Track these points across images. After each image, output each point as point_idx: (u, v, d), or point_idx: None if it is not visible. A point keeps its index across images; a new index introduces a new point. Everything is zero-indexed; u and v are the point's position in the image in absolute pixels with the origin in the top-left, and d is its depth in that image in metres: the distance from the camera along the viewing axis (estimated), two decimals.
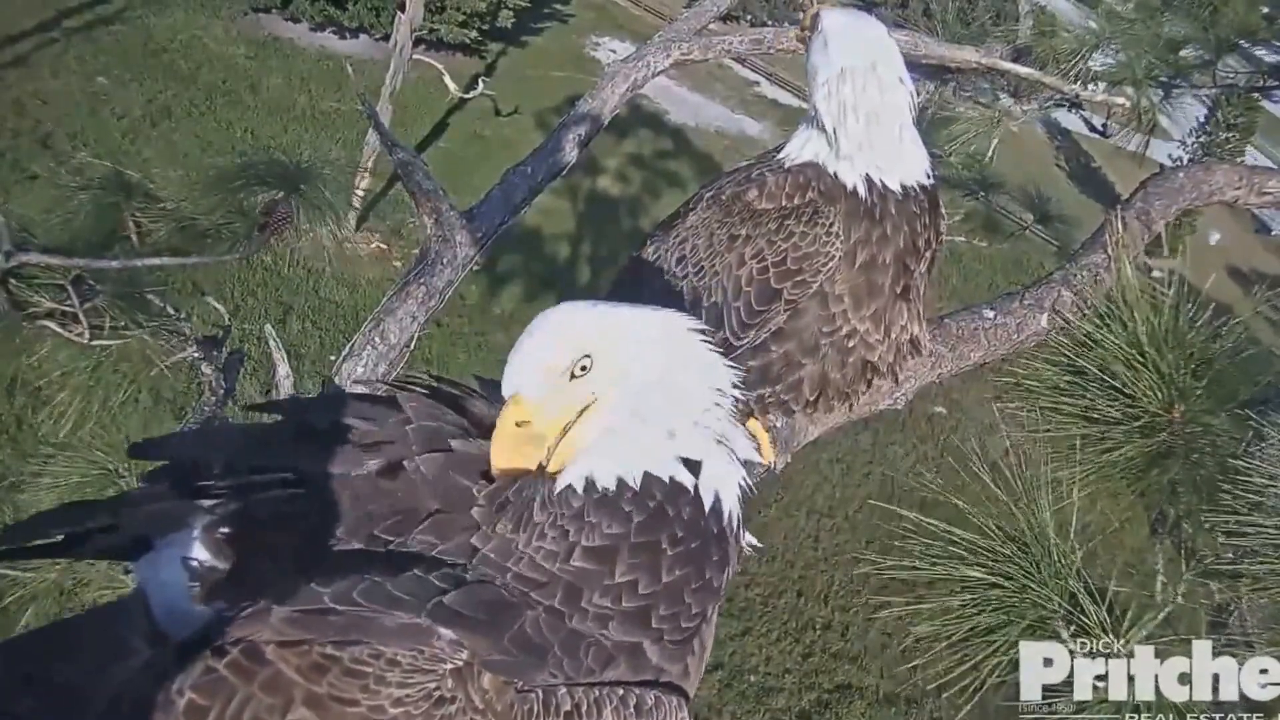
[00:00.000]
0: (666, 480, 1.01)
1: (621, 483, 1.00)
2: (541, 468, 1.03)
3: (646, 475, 1.00)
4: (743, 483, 1.07)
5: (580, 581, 0.98)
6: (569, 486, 1.00)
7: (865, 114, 1.64)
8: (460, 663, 0.92)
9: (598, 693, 0.96)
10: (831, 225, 1.65)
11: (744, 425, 1.11)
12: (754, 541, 1.10)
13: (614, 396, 1.03)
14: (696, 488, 1.01)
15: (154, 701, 0.92)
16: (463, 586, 0.95)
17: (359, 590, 0.93)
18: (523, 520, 1.00)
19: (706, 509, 1.02)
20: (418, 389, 1.13)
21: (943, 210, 1.78)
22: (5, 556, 1.35)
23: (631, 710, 0.96)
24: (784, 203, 1.70)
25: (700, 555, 1.01)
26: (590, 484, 1.00)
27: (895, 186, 1.67)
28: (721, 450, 1.05)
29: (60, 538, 1.14)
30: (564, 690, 0.95)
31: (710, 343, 1.07)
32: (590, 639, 0.98)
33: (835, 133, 1.66)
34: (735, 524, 1.05)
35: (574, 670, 0.96)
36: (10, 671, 1.03)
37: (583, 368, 1.02)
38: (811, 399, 1.75)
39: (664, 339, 1.05)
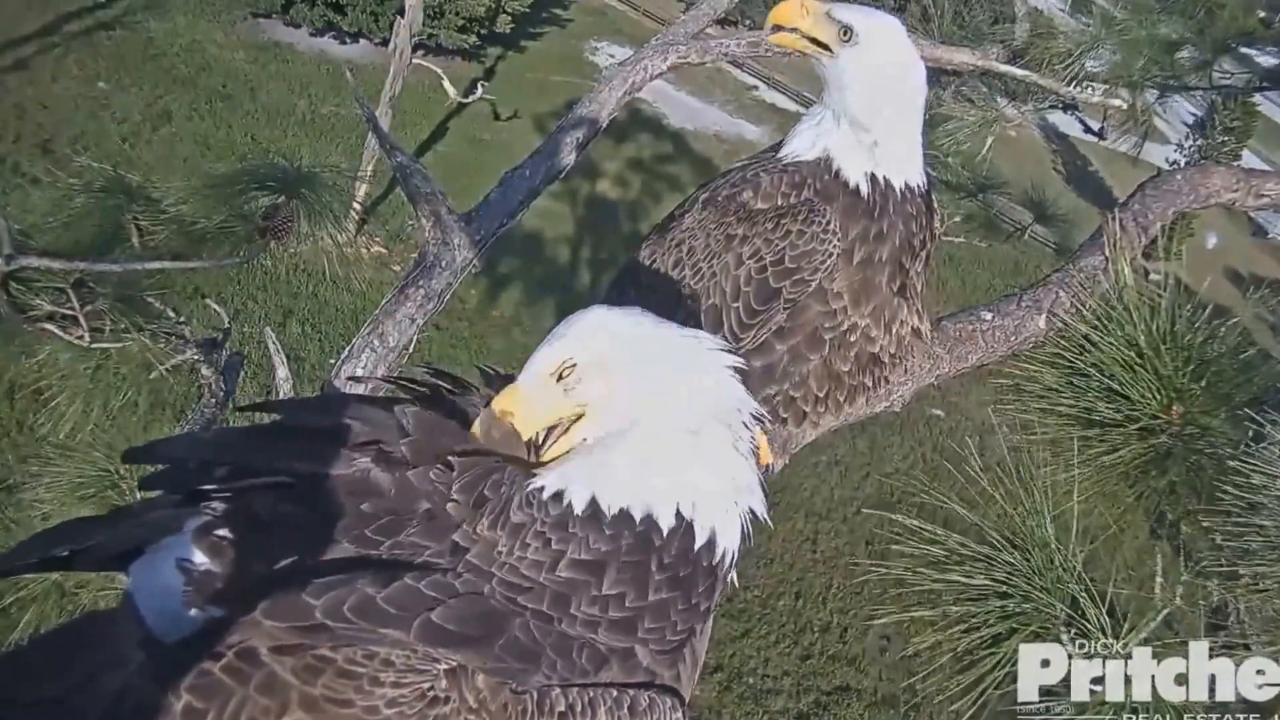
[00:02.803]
0: (653, 514, 1.00)
1: (605, 507, 1.00)
2: (512, 459, 1.04)
3: (631, 505, 1.00)
4: (745, 524, 1.05)
5: (568, 590, 0.98)
6: (553, 495, 1.00)
7: (892, 111, 1.65)
8: (454, 663, 0.92)
9: (592, 693, 0.96)
10: (829, 223, 1.66)
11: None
12: (735, 582, 1.09)
13: (608, 416, 1.02)
14: (691, 524, 1.01)
15: (151, 705, 0.92)
16: (452, 599, 0.96)
17: (349, 605, 0.94)
18: (500, 519, 1.00)
19: (699, 544, 1.01)
20: (415, 386, 1.14)
21: (937, 210, 1.78)
22: (6, 574, 1.34)
23: (626, 711, 0.96)
24: (780, 202, 1.70)
25: (689, 582, 1.01)
26: (573, 500, 1.00)
27: (898, 185, 1.68)
28: (730, 489, 1.04)
29: (65, 553, 1.14)
30: (558, 691, 0.95)
31: (735, 373, 1.05)
32: (582, 641, 0.98)
33: (868, 128, 1.65)
34: (728, 563, 1.04)
35: (568, 671, 0.97)
36: (1, 689, 1.03)
37: (564, 375, 1.02)
38: (820, 394, 1.75)
39: (684, 370, 1.03)
